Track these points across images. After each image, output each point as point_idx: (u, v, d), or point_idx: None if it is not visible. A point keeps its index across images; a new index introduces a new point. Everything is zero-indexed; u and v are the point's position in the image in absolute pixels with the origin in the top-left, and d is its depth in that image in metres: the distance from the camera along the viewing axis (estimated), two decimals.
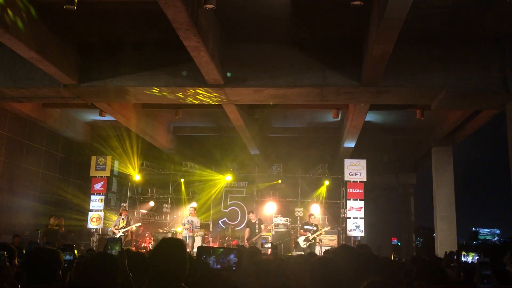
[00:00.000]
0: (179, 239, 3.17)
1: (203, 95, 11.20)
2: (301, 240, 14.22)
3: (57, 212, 15.41)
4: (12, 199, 14.55)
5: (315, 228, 14.12)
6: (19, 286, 3.32)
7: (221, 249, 3.23)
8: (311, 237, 13.92)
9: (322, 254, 11.84)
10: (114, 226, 14.71)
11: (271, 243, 14.07)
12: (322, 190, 17.65)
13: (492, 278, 2.74)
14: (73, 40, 10.57)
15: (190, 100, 11.53)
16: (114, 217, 16.33)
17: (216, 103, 11.87)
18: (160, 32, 9.67)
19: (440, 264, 7.43)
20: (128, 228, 14.56)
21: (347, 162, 16.64)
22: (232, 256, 3.17)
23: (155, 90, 10.82)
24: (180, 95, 11.15)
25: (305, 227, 14.25)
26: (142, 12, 9.37)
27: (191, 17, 7.71)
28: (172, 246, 2.96)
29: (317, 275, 3.14)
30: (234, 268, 3.15)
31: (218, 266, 3.15)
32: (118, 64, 10.77)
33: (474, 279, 2.97)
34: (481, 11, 9.07)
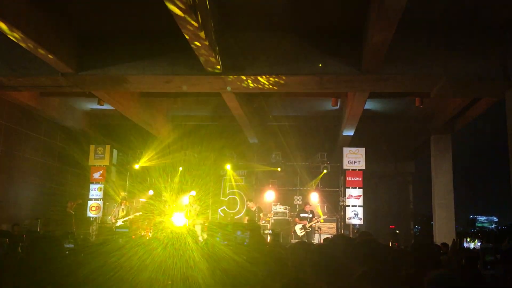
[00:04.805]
0: None
1: (203, 84, 11.16)
2: (297, 228, 14.29)
3: (55, 201, 15.44)
4: (11, 189, 14.54)
5: (310, 216, 14.19)
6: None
7: (229, 225, 3.17)
8: (308, 225, 13.98)
9: (322, 241, 11.90)
10: (114, 216, 14.74)
11: (272, 230, 14.12)
12: (319, 178, 17.69)
13: (496, 264, 2.73)
14: (71, 28, 10.47)
15: (189, 88, 11.49)
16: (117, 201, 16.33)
17: (215, 91, 11.84)
18: (159, 20, 9.57)
19: (435, 252, 7.47)
20: (128, 218, 14.59)
21: (346, 150, 16.64)
22: (238, 232, 3.13)
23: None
24: (179, 83, 11.09)
25: (301, 215, 14.32)
26: (141, 0, 9.28)
27: (189, 5, 7.63)
28: None
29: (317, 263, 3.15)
30: (245, 243, 3.11)
31: (225, 242, 3.08)
32: (117, 52, 10.69)
33: (477, 265, 2.96)
34: None
